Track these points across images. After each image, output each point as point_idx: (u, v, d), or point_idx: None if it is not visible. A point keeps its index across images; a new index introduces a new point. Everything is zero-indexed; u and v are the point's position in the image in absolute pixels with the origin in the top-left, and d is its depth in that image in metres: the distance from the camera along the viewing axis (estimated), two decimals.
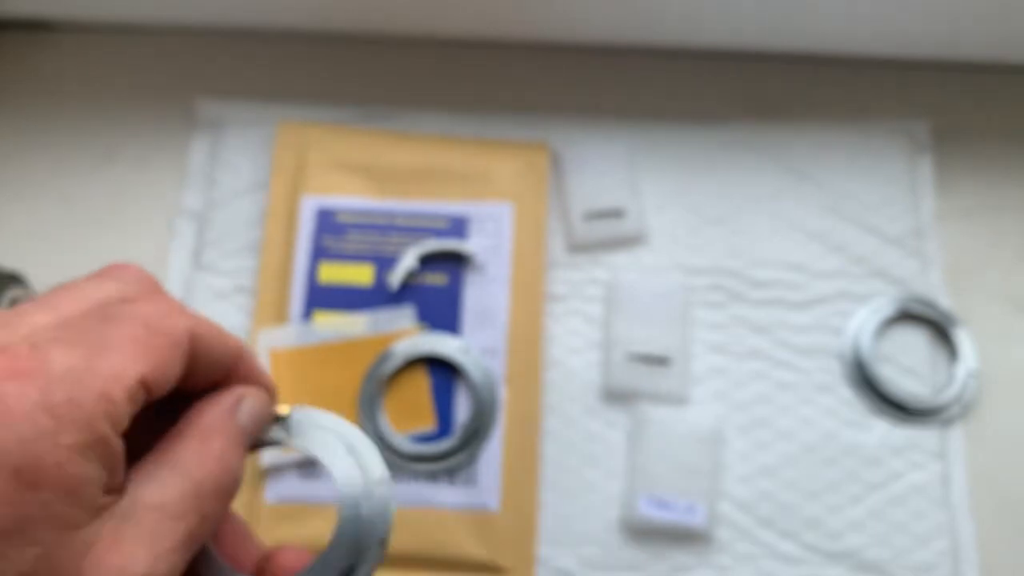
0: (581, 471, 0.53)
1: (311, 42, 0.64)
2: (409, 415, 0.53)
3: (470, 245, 0.56)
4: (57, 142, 0.61)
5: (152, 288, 0.26)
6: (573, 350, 0.56)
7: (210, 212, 0.59)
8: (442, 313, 0.55)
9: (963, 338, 0.56)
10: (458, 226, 0.57)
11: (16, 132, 0.62)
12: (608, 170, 0.59)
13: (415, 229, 0.57)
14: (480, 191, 0.58)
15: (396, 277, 0.55)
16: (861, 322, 0.56)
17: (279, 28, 0.63)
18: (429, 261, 0.56)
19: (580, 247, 0.58)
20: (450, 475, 0.52)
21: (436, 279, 0.56)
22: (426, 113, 0.61)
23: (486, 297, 0.55)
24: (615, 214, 0.58)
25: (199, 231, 0.59)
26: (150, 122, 0.62)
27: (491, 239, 0.57)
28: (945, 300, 0.57)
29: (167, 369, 0.24)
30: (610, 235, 0.58)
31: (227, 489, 0.25)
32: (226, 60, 0.63)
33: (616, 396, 0.55)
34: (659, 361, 0.55)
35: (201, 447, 0.24)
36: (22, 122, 0.62)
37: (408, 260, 0.55)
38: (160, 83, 0.63)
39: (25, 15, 0.63)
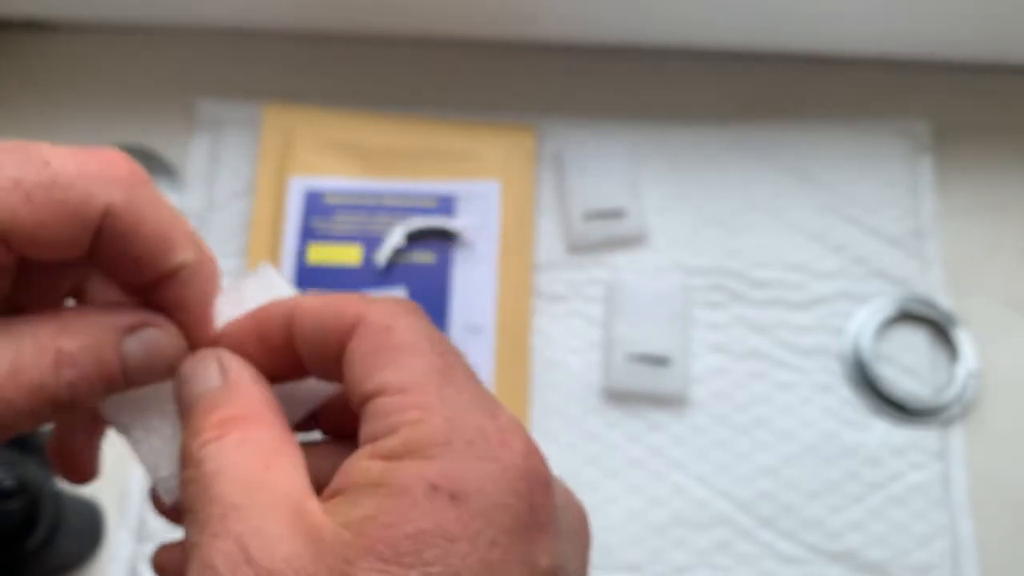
0: (581, 471, 0.53)
1: (311, 42, 0.64)
2: None
3: (458, 223, 0.56)
4: (56, 142, 0.61)
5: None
6: (573, 350, 0.56)
7: (210, 212, 0.59)
8: (431, 291, 0.55)
9: (963, 338, 0.56)
10: (446, 204, 0.57)
11: (15, 132, 0.62)
12: (608, 170, 0.59)
13: (403, 208, 0.57)
14: (468, 170, 0.58)
15: (383, 254, 0.55)
16: (861, 322, 0.56)
17: (279, 28, 0.63)
18: (417, 240, 0.56)
19: (580, 247, 0.58)
20: None
21: (424, 257, 0.56)
22: (426, 113, 0.61)
23: (474, 275, 0.55)
24: (615, 214, 0.58)
25: (199, 230, 0.59)
26: (150, 122, 0.62)
27: (479, 217, 0.57)
28: (945, 300, 0.57)
29: (31, 226, 0.21)
30: (610, 235, 0.58)
31: (50, 394, 0.21)
32: (226, 60, 0.63)
33: (616, 396, 0.55)
34: (659, 361, 0.55)
35: (41, 333, 0.21)
36: (22, 122, 0.62)
37: (395, 237, 0.55)
38: (160, 83, 0.63)
39: (25, 15, 0.63)
